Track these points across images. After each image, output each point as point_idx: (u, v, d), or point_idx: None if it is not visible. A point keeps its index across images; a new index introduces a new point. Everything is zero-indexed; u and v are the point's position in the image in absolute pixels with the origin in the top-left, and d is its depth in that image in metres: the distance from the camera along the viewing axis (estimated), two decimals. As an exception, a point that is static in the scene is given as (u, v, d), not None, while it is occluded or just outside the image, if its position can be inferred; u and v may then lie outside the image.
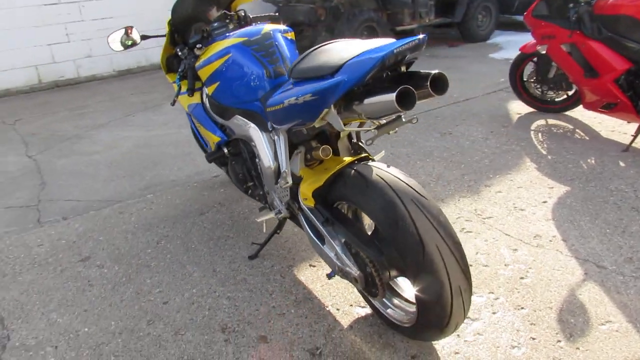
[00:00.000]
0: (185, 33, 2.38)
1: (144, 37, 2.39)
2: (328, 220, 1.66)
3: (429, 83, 1.25)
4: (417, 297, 1.49)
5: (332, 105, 1.38)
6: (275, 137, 1.82)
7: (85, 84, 6.36)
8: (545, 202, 2.60)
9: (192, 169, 3.36)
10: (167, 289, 2.10)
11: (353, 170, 1.58)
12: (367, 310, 1.89)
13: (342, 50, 1.43)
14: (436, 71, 1.26)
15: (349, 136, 1.85)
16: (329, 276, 1.74)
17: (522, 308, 1.86)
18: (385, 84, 1.37)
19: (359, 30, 5.77)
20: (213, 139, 2.19)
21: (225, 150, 2.17)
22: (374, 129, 1.54)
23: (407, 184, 1.47)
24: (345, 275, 1.64)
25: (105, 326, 1.91)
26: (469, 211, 2.55)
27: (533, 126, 3.69)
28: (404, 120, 1.54)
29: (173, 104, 2.31)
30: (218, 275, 2.17)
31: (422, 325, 1.56)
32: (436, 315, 1.46)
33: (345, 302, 1.95)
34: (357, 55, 1.34)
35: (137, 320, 1.93)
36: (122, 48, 2.38)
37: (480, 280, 2.02)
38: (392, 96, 1.23)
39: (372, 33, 6.00)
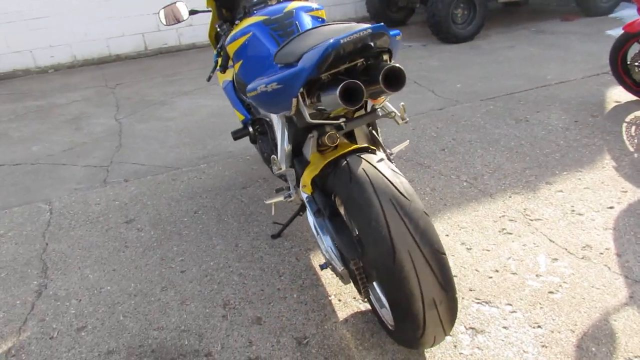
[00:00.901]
0: (232, 9, 2.39)
1: (192, 12, 2.44)
2: (319, 211, 1.60)
3: (380, 78, 1.12)
4: (389, 305, 1.39)
5: (298, 95, 1.31)
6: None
7: (185, 52, 6.73)
8: (611, 207, 2.27)
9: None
10: (189, 258, 2.20)
11: (345, 161, 1.50)
12: (368, 305, 1.81)
13: (316, 36, 1.34)
14: (390, 64, 1.12)
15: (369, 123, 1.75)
16: (322, 267, 1.69)
17: (539, 326, 1.66)
18: (356, 75, 1.26)
19: (453, 2, 5.39)
20: (239, 117, 2.20)
21: (251, 129, 2.17)
22: (342, 122, 1.43)
23: (390, 181, 1.36)
24: (333, 269, 1.59)
25: (125, 287, 2.05)
26: (516, 210, 2.32)
27: (628, 118, 3.22)
28: (380, 114, 1.42)
29: (208, 79, 2.35)
30: (238, 250, 2.22)
31: (399, 333, 1.46)
32: (409, 326, 1.36)
33: (349, 294, 1.89)
34: (317, 44, 1.25)
35: (154, 285, 2.04)
36: (172, 22, 2.46)
37: (501, 289, 1.84)
38: (336, 91, 1.13)
39: (468, 6, 5.58)
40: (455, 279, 1.83)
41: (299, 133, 1.86)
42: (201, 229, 2.41)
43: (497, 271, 1.93)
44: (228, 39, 2.07)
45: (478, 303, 1.79)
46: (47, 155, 3.54)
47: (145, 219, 2.56)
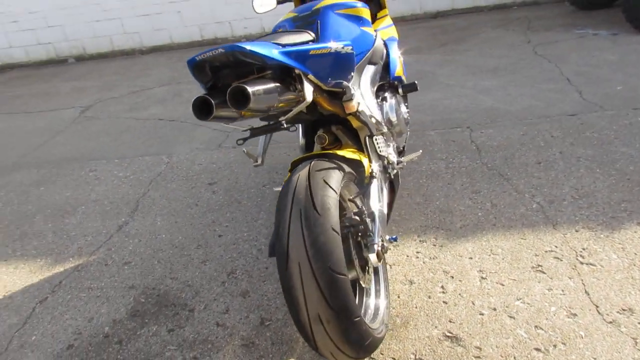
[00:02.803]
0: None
1: (280, 2, 2.61)
2: None
3: (227, 97, 1.12)
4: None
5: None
6: None
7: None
8: (703, 272, 1.78)
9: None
10: (232, 225, 2.47)
11: (301, 164, 1.54)
12: (339, 307, 1.83)
13: (259, 41, 1.37)
14: (236, 84, 1.11)
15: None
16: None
17: (493, 382, 1.48)
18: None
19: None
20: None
21: None
22: (245, 129, 1.45)
23: (310, 191, 1.36)
24: None
25: (173, 238, 2.43)
26: (572, 248, 1.98)
27: None
28: (284, 125, 1.40)
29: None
30: (272, 227, 2.40)
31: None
32: (302, 335, 1.38)
33: (332, 291, 1.92)
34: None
35: (192, 242, 2.38)
36: (264, 9, 2.66)
37: (483, 329, 1.66)
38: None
39: None
40: (443, 306, 1.72)
41: (308, 130, 1.92)
42: (258, 202, 2.66)
43: (494, 309, 1.73)
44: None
45: (446, 336, 1.65)
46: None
47: (224, 183, 2.91)
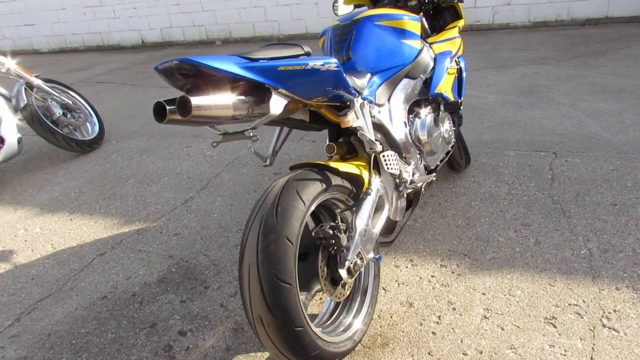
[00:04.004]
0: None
1: (356, 6, 2.64)
2: None
3: (176, 106, 1.20)
4: None
5: None
6: None
7: (496, 32, 6.53)
8: None
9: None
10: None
11: (291, 170, 1.60)
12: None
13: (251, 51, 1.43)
14: (182, 94, 1.18)
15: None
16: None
17: None
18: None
19: None
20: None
21: None
22: (219, 134, 1.50)
23: (277, 199, 1.42)
24: None
25: (222, 219, 2.65)
26: (601, 307, 1.75)
27: None
28: (246, 134, 1.44)
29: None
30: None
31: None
32: (251, 329, 1.46)
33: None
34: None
35: (235, 225, 2.57)
36: (343, 12, 2.72)
37: (455, 369, 1.58)
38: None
39: None
40: (429, 336, 1.68)
41: (333, 137, 1.96)
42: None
43: (480, 352, 1.63)
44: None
45: (416, 368, 1.61)
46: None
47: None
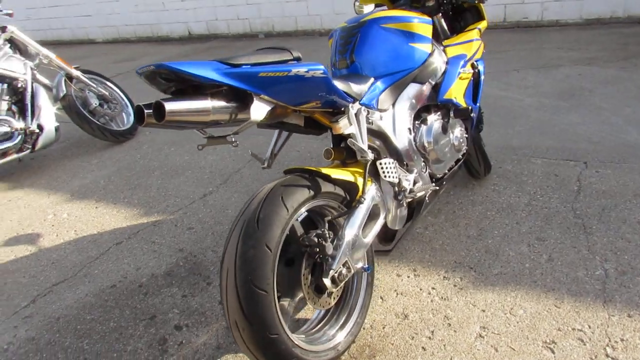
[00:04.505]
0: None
1: (377, 5, 2.58)
2: None
3: (152, 109, 1.20)
4: None
5: None
6: None
7: (544, 29, 6.24)
8: None
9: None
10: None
11: (290, 173, 1.58)
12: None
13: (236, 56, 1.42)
14: (161, 99, 1.18)
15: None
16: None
17: None
18: None
19: None
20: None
21: None
22: (205, 137, 1.49)
23: (260, 205, 1.41)
24: None
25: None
26: (606, 333, 1.64)
27: None
28: (228, 139, 1.42)
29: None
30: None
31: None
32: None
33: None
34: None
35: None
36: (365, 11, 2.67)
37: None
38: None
39: None
40: (419, 351, 1.66)
41: (336, 141, 1.94)
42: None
43: (468, 373, 1.58)
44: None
45: (400, 383, 1.57)
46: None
47: (305, 174, 3.05)
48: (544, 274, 1.95)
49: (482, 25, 2.30)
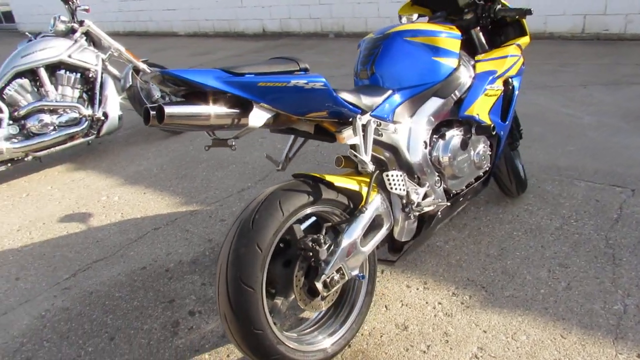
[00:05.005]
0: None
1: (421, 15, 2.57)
2: None
3: (155, 111, 1.28)
4: None
5: None
6: None
7: (626, 43, 5.84)
8: None
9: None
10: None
11: (298, 178, 1.65)
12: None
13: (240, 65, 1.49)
14: (153, 104, 1.27)
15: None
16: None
17: None
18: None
19: None
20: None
21: None
22: (212, 138, 1.56)
23: (257, 207, 1.49)
24: None
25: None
26: (611, 372, 1.58)
27: None
28: (228, 143, 1.49)
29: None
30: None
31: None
32: (222, 323, 1.55)
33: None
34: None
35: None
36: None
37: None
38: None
39: None
40: (402, 354, 1.67)
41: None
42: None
43: (454, 392, 1.57)
44: None
45: (384, 393, 1.60)
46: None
47: (340, 177, 3.10)
48: (557, 302, 1.88)
49: (523, 40, 2.24)
